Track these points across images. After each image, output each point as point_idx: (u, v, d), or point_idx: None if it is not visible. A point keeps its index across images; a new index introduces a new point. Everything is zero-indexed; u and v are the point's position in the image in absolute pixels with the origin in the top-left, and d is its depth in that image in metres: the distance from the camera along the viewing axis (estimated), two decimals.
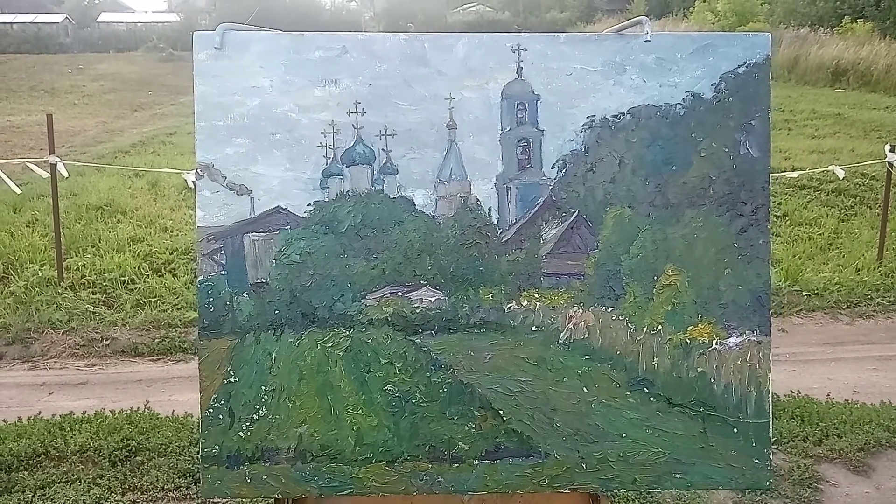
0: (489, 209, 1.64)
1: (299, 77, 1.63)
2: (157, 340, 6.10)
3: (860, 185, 10.22)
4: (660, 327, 1.62)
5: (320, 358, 1.60)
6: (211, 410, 1.60)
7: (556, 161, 1.64)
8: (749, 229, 1.60)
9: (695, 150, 1.61)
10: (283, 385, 1.63)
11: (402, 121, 1.63)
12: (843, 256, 7.97)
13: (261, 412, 1.61)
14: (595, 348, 1.62)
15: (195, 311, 6.26)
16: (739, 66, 1.62)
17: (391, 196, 1.64)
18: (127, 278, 6.97)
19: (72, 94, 20.85)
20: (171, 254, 7.57)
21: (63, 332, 6.17)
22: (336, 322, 1.64)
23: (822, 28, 23.03)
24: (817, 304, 6.94)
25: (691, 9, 30.75)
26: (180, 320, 6.32)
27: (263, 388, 1.63)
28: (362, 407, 1.62)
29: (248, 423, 1.62)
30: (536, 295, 1.62)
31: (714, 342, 1.61)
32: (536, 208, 1.64)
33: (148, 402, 4.64)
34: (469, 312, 1.63)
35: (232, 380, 1.62)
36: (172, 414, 4.46)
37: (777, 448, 4.14)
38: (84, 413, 4.40)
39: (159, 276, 7.18)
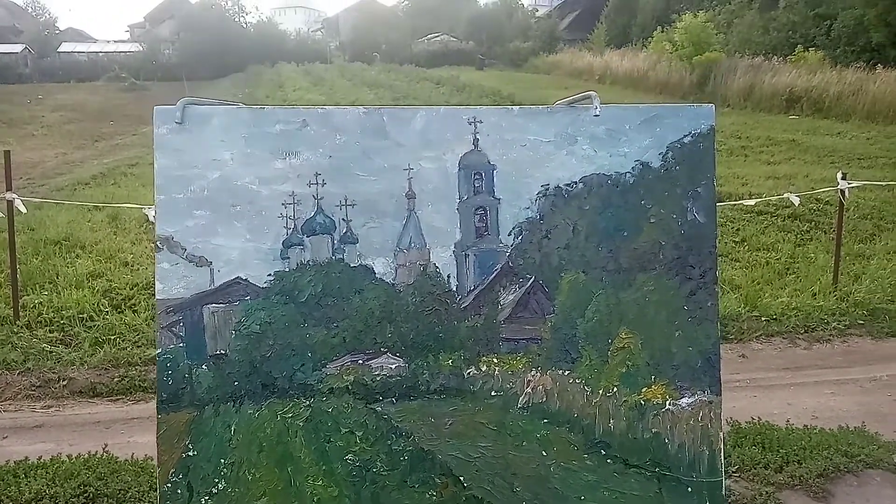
0: (448, 276, 1.68)
1: (260, 150, 1.65)
2: (115, 380, 5.95)
3: (815, 210, 10.51)
4: (615, 389, 1.66)
5: (280, 429, 1.60)
6: (169, 485, 1.59)
7: (513, 228, 1.69)
8: (698, 292, 1.67)
9: (645, 217, 1.68)
10: (243, 457, 1.62)
11: (361, 191, 1.66)
12: (800, 281, 8.18)
13: (220, 486, 1.60)
14: (553, 412, 1.65)
15: (156, 347, 6.14)
16: (685, 136, 1.69)
17: (351, 265, 1.66)
18: (85, 315, 6.80)
19: (31, 125, 20.48)
20: (131, 289, 7.42)
21: (19, 373, 5.99)
22: (296, 392, 1.64)
23: (775, 57, 23.82)
24: (776, 330, 7.09)
25: (650, 38, 31.63)
26: (140, 358, 6.18)
27: (222, 461, 1.62)
28: (322, 478, 1.62)
29: (206, 498, 1.60)
30: (495, 360, 1.65)
31: (667, 403, 1.66)
32: (494, 275, 1.68)
33: (106, 445, 4.52)
34: (429, 379, 1.65)
35: (190, 453, 1.60)
36: (132, 457, 4.34)
37: (739, 476, 4.20)
38: (40, 458, 4.26)
39: (119, 312, 7.02)
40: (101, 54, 37.39)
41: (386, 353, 1.64)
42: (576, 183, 1.69)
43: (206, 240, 1.63)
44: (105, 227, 9.51)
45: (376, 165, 1.67)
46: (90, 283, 7.44)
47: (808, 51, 24.19)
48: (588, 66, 34.02)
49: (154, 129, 1.64)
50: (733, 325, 7.04)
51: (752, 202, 9.20)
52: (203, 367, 1.63)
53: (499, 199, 1.69)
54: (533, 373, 1.66)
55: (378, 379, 1.66)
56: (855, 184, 8.53)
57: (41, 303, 6.91)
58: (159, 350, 1.62)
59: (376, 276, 1.67)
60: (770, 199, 9.74)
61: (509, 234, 1.70)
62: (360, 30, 51.83)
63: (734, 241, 9.47)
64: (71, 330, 6.61)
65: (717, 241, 1.67)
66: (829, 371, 6.21)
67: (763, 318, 7.20)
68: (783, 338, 7.00)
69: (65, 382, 5.95)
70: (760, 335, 7.01)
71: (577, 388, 1.66)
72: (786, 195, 8.66)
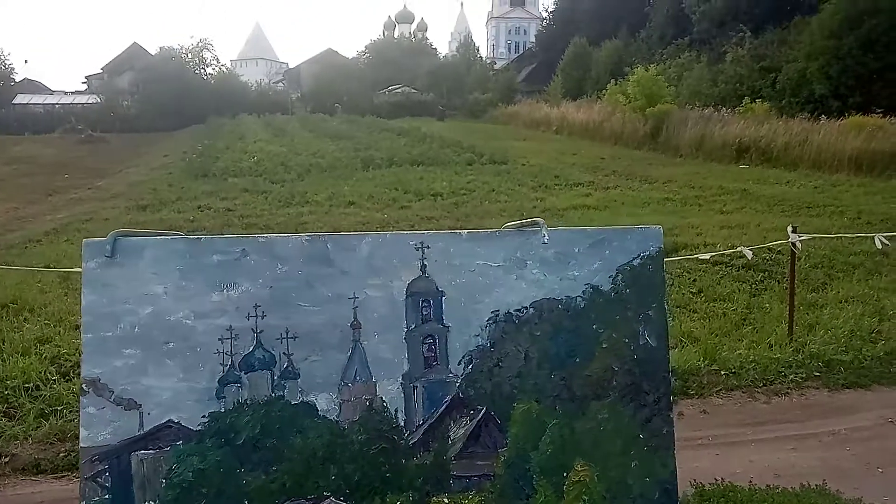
0: (395, 410, 1.60)
1: (196, 282, 1.57)
2: (61, 455, 5.62)
3: (768, 260, 10.73)
4: None
5: None
6: None
7: (463, 357, 1.63)
8: (653, 419, 1.63)
9: (597, 342, 1.64)
10: None
11: (304, 323, 1.59)
12: (757, 332, 8.27)
13: None
14: None
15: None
16: (634, 259, 1.68)
17: (292, 402, 1.58)
18: (31, 384, 6.47)
19: None
20: (80, 355, 7.08)
21: None
22: None
23: (724, 108, 24.74)
24: (735, 384, 7.12)
25: (604, 91, 32.66)
26: None
27: None
28: None
29: None
30: (446, 500, 1.57)
31: None
32: (444, 407, 1.61)
33: None
34: None
35: None
36: None
37: None
38: None
39: (67, 380, 6.68)
40: (57, 106, 36.99)
41: (329, 497, 1.54)
42: (526, 308, 1.65)
43: (136, 381, 1.53)
44: (56, 288, 9.15)
45: (320, 295, 1.61)
46: (37, 350, 7.09)
47: (754, 102, 25.16)
48: (545, 117, 34.92)
49: (83, 264, 1.55)
50: (694, 379, 7.06)
51: (706, 256, 9.36)
52: None
53: (448, 327, 1.64)
54: None
55: None
56: (805, 236, 8.76)
57: None
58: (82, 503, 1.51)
59: (319, 413, 1.58)
60: (724, 252, 9.93)
61: (459, 363, 1.64)
62: (321, 81, 52.32)
63: (691, 292, 9.60)
64: (15, 401, 6.26)
65: (670, 340, 1.64)
66: (789, 426, 6.24)
67: (722, 372, 7.24)
68: (743, 391, 7.03)
69: (6, 459, 5.61)
70: (720, 389, 7.03)
71: None
72: (739, 248, 8.84)
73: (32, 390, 6.39)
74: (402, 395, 1.62)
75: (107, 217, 14.61)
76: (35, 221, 14.90)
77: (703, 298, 9.31)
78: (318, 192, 16.42)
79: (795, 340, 7.91)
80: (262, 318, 1.58)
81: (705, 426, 6.14)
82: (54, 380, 6.61)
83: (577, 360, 1.65)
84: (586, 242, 1.70)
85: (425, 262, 1.66)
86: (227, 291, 1.58)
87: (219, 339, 1.56)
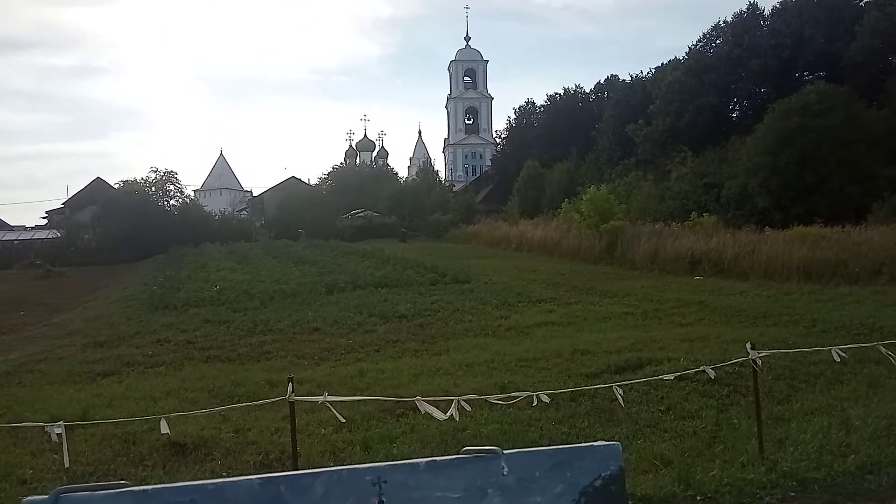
0: None
1: None
2: None
3: (731, 374, 10.78)
4: None
5: None
6: None
7: None
8: None
9: None
10: None
11: None
12: (728, 451, 8.18)
13: None
14: None
15: None
16: (596, 480, 1.66)
17: None
18: None
19: None
20: None
21: None
22: None
23: (673, 222, 25.77)
24: None
25: (559, 209, 33.91)
26: None
27: None
28: None
29: None
30: None
31: None
32: None
33: None
34: None
35: None
36: None
37: None
38: None
39: None
40: (16, 241, 36.51)
41: None
42: None
43: None
44: (4, 438, 8.68)
45: None
46: None
47: (702, 216, 26.26)
48: (505, 235, 35.85)
49: None
50: None
51: (671, 377, 9.41)
52: None
53: None
54: None
55: None
56: (764, 353, 8.89)
57: None
58: None
59: None
60: (688, 373, 9.99)
61: None
62: (284, 208, 53.01)
63: (660, 411, 9.53)
64: None
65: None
66: None
67: (698, 498, 7.09)
68: None
69: None
70: None
71: None
72: (702, 368, 8.91)
73: None
74: None
75: (62, 356, 14.10)
76: None
77: (672, 416, 9.24)
78: (282, 319, 16.17)
79: (767, 458, 7.83)
80: None
81: None
82: None
83: None
84: (547, 465, 1.67)
85: (383, 499, 1.59)
86: None
87: None
